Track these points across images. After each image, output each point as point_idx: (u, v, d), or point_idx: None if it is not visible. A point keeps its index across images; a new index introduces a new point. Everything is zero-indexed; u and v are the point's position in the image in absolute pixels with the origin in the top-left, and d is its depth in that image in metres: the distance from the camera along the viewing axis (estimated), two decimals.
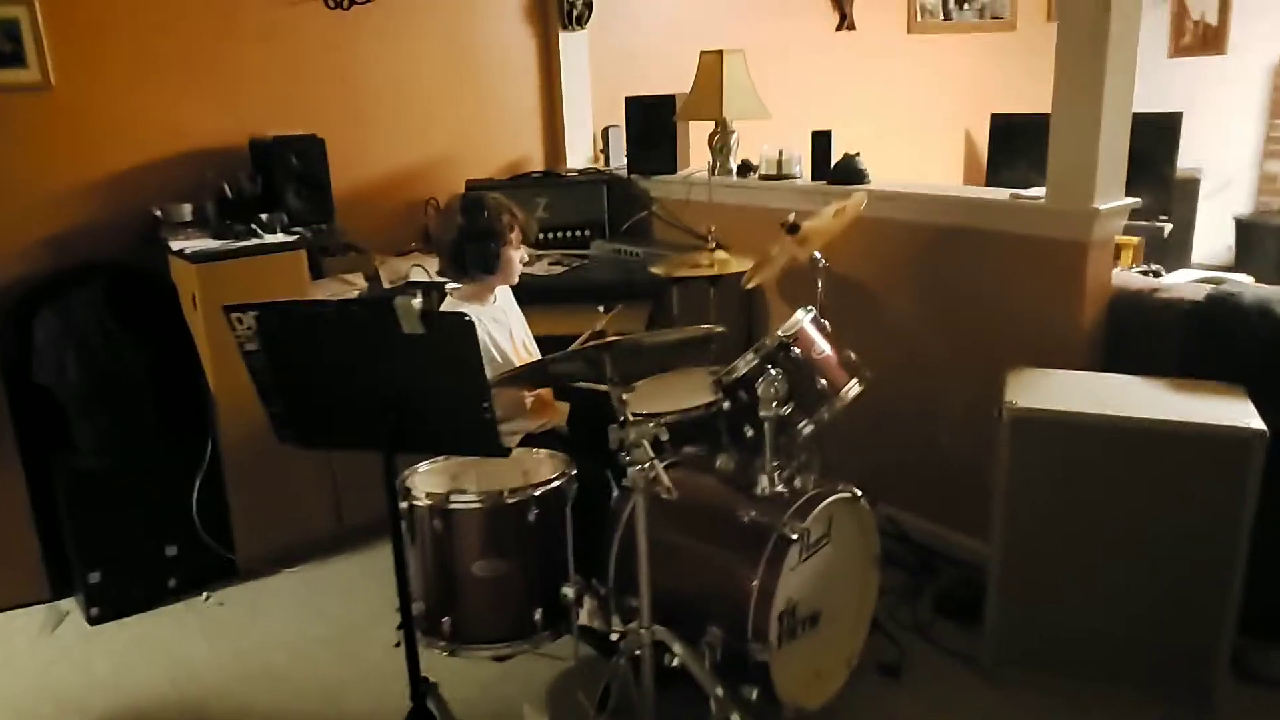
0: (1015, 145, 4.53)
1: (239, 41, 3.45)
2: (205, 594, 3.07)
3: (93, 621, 2.93)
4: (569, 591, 2.28)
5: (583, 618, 2.42)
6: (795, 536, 2.12)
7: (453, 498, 2.19)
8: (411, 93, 3.87)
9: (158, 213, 3.20)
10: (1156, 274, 3.30)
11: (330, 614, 2.95)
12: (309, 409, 2.08)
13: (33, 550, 2.98)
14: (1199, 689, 2.37)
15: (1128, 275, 2.95)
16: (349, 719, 2.48)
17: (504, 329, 2.85)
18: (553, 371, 2.30)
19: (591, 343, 2.03)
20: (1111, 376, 2.57)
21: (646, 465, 1.93)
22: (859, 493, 2.32)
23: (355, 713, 2.50)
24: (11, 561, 2.97)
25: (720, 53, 3.62)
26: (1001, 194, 2.89)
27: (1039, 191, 2.78)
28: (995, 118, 4.65)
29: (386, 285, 3.44)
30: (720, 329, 2.24)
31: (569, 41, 4.20)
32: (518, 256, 2.82)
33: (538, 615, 2.24)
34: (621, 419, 2.03)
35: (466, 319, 1.86)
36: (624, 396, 2.05)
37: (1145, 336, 2.73)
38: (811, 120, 3.61)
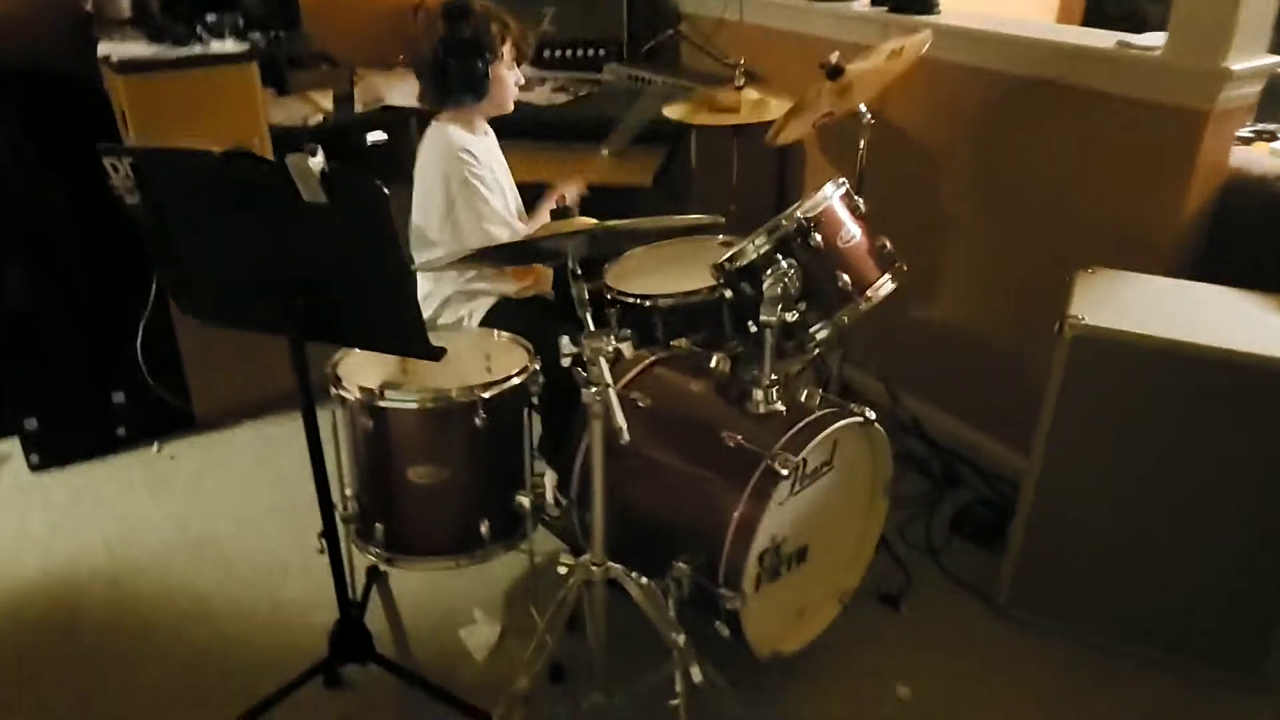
0: None
1: None
2: (157, 445, 2.83)
3: (34, 469, 2.71)
4: (524, 500, 1.97)
5: (548, 497, 2.11)
6: (785, 472, 1.75)
7: (386, 394, 1.84)
8: None
9: (89, 7, 2.72)
10: (1272, 136, 2.72)
11: (287, 477, 2.70)
12: (205, 280, 1.71)
13: None
14: (1245, 656, 2.05)
15: (1251, 155, 2.38)
16: (282, 610, 2.25)
17: (496, 164, 2.42)
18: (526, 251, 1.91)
19: (550, 229, 1.61)
20: (1206, 288, 2.09)
21: (601, 391, 1.54)
22: (872, 415, 1.92)
23: (290, 602, 2.27)
24: None
25: None
26: (1105, 40, 2.30)
27: (1156, 39, 2.19)
28: None
29: (359, 107, 2.99)
30: (716, 219, 1.79)
31: None
32: (511, 77, 2.35)
33: (484, 527, 1.94)
34: (583, 325, 1.63)
35: (376, 186, 1.44)
36: (584, 296, 1.64)
37: (1260, 236, 2.21)
38: None
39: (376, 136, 2.83)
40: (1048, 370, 2.01)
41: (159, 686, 2.06)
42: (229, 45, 2.65)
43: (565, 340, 1.60)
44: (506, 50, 2.30)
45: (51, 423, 2.70)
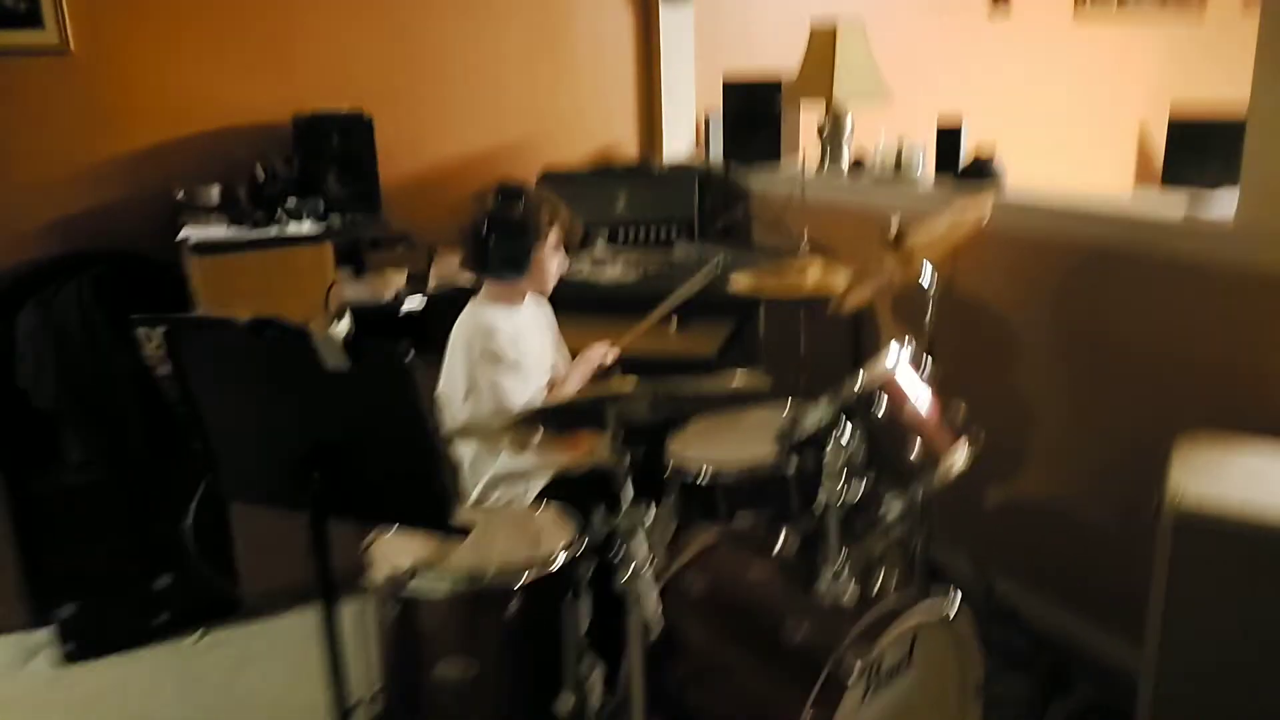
0: (1198, 146, 3.73)
1: (291, 5, 3.09)
2: (197, 635, 2.71)
3: (69, 658, 2.60)
4: (565, 704, 1.77)
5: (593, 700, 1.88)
6: (855, 671, 1.52)
7: (413, 579, 1.70)
8: (487, 70, 3.42)
9: (180, 196, 2.87)
10: None
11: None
12: (230, 454, 1.65)
13: (8, 572, 2.66)
14: None
15: None
16: None
17: (532, 340, 2.38)
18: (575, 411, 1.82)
19: (590, 393, 1.51)
20: None
21: (639, 571, 1.37)
22: (952, 611, 1.69)
23: None
24: None
25: (834, 27, 3.03)
26: (1175, 210, 2.20)
27: (1226, 205, 2.09)
28: (1174, 126, 3.86)
29: (432, 285, 3.02)
30: (758, 381, 1.67)
31: (671, 17, 3.69)
32: (554, 261, 2.36)
33: None
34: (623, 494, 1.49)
35: (403, 353, 1.38)
36: (626, 465, 1.51)
37: None
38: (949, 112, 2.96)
39: (412, 305, 2.83)
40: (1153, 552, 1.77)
41: None
42: (305, 227, 2.75)
43: (601, 512, 1.46)
44: (553, 235, 2.32)
45: (90, 609, 2.63)
